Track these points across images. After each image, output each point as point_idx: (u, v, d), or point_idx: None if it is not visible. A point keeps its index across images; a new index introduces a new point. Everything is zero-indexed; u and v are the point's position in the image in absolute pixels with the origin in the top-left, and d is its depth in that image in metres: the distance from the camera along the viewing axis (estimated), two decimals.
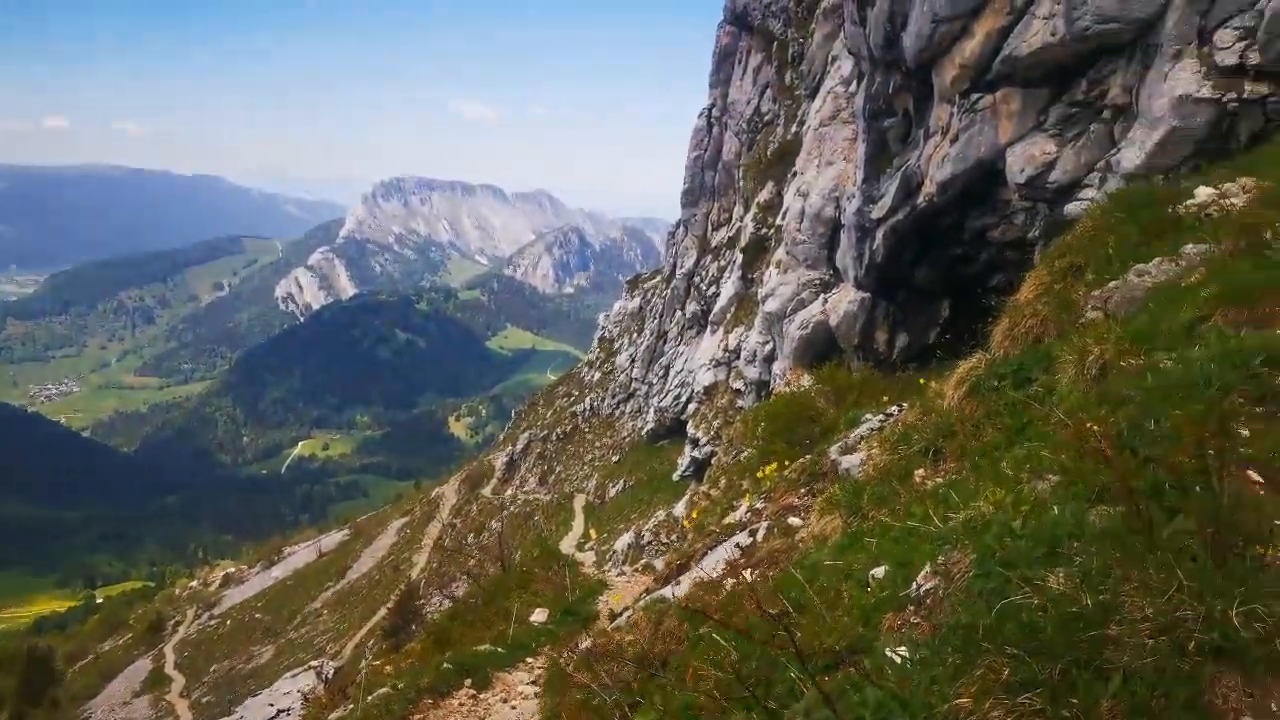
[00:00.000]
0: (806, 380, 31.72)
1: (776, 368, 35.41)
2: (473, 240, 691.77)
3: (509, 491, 73.16)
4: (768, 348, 36.72)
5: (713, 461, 37.47)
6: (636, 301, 77.99)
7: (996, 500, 3.91)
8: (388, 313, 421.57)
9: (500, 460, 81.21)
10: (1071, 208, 22.36)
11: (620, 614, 9.35)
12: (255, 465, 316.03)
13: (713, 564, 8.10)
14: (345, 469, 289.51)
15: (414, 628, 37.46)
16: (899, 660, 3.01)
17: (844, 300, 29.89)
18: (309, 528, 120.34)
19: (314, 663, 26.13)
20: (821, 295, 31.22)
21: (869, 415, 9.87)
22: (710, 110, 54.60)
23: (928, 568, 3.85)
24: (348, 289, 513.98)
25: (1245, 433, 4.03)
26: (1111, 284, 7.07)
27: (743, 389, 40.47)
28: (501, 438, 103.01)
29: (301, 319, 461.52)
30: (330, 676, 21.45)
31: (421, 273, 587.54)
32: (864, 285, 29.19)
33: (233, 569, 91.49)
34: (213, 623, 71.74)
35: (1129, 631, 2.54)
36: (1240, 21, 18.30)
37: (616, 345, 79.16)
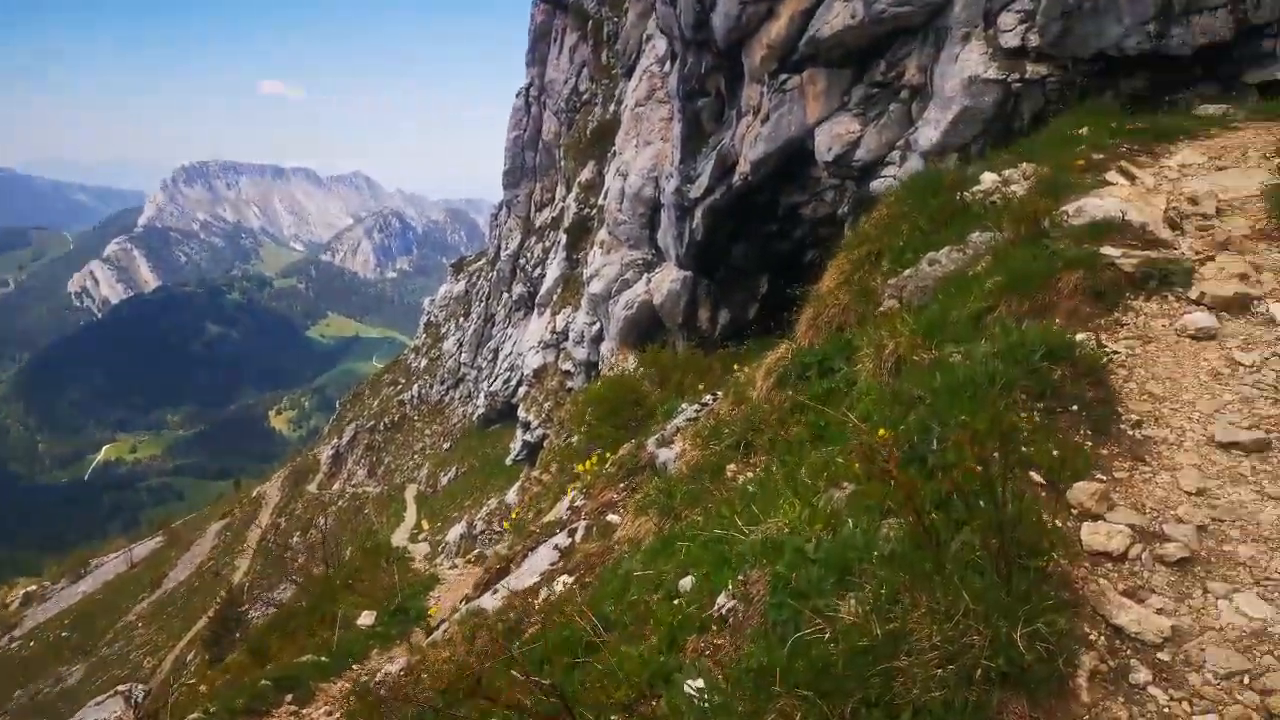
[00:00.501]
0: (633, 361, 31.83)
1: (604, 348, 35.43)
2: (286, 225, 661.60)
3: (336, 486, 70.68)
4: (595, 328, 36.68)
5: (545, 445, 37.24)
6: (462, 285, 76.56)
7: (792, 518, 3.85)
8: (197, 304, 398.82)
9: (326, 454, 78.33)
10: (876, 184, 23.21)
11: (438, 626, 9.00)
12: (55, 474, 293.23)
13: (532, 568, 7.89)
14: (157, 472, 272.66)
15: (237, 636, 35.63)
16: (696, 700, 2.89)
17: (667, 279, 30.11)
18: (119, 537, 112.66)
19: (121, 687, 24.37)
20: (645, 275, 31.35)
21: (685, 405, 9.83)
22: (528, 89, 53.86)
23: (730, 586, 3.77)
24: (150, 281, 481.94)
25: (1027, 432, 4.12)
26: (906, 273, 7.25)
27: (572, 370, 40.33)
28: (326, 430, 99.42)
29: (99, 315, 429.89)
30: (140, 701, 20.04)
31: (232, 261, 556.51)
32: (685, 264, 29.47)
33: (34, 586, 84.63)
34: (14, 645, 66.23)
35: (919, 662, 2.49)
36: (1021, 5, 19.33)
37: (443, 330, 77.53)
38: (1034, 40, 18.79)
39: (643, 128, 32.13)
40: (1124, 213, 6.15)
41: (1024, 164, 8.51)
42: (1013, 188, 7.72)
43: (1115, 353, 4.99)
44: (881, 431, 3.98)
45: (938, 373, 4.57)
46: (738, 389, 8.10)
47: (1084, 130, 9.44)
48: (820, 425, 5.60)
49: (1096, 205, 6.38)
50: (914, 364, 5.26)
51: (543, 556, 7.94)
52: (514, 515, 19.35)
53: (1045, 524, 3.05)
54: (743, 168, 26.54)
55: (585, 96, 46.97)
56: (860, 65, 23.40)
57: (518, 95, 54.83)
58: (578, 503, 9.35)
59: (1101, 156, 8.13)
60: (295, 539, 61.26)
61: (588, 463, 10.39)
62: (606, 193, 34.33)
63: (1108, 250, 5.75)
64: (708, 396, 9.61)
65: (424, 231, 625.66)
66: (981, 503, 2.90)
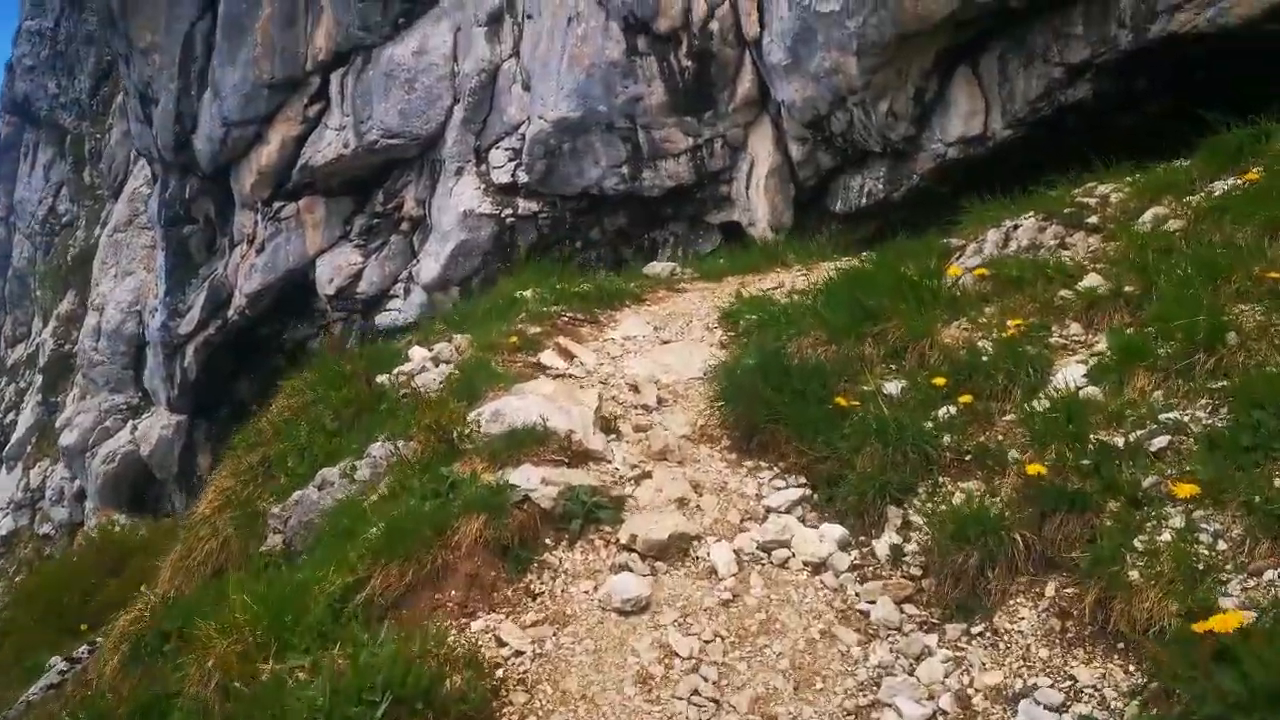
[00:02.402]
0: (124, 522, 26.78)
1: (89, 507, 29.62)
2: None
3: None
4: (78, 483, 30.65)
5: None
6: None
7: None
8: None
9: None
10: (383, 318, 21.51)
11: None
12: None
13: None
14: None
15: None
16: None
17: (156, 426, 25.77)
18: None
19: None
20: (130, 422, 26.67)
21: (56, 660, 6.98)
22: None
23: None
24: None
25: None
26: (295, 495, 5.32)
27: (53, 534, 33.37)
28: None
29: None
30: None
31: None
32: (179, 408, 25.44)
33: None
34: None
35: None
36: (509, 143, 18.97)
37: None
38: (523, 177, 18.45)
39: (123, 256, 27.81)
40: (546, 418, 4.82)
41: (459, 337, 6.96)
42: (437, 372, 6.14)
43: (518, 654, 3.47)
44: None
45: None
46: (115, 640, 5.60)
47: (528, 292, 8.31)
48: None
49: (517, 407, 5.01)
50: (238, 691, 3.36)
51: None
52: None
53: None
54: (239, 301, 23.47)
55: (65, 218, 40.42)
56: (362, 194, 21.82)
57: None
58: None
59: (539, 330, 6.97)
60: None
61: None
62: (82, 329, 29.14)
63: (523, 476, 4.29)
64: (83, 647, 6.84)
65: None
66: None
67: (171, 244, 24.92)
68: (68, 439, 27.04)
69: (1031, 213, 5.87)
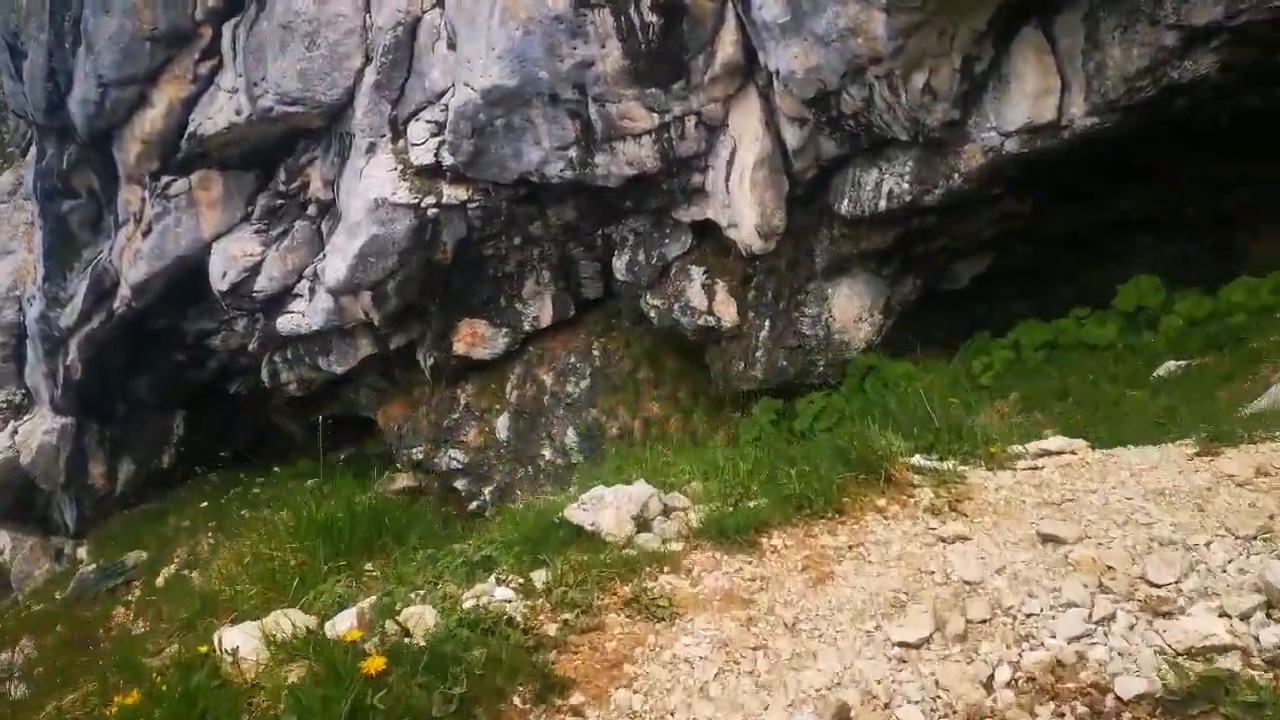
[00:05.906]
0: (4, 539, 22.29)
1: None
2: None
3: None
4: None
5: None
6: None
7: None
8: None
9: None
10: (284, 322, 17.04)
11: None
12: None
13: None
14: None
15: None
16: None
17: (39, 429, 21.16)
18: None
19: None
20: (12, 423, 21.94)
21: None
22: None
23: None
24: None
25: None
26: None
27: None
28: None
29: None
30: None
31: None
32: (64, 408, 20.85)
33: None
34: None
35: None
36: (431, 115, 14.52)
37: None
38: (449, 158, 14.04)
39: (3, 232, 22.83)
40: None
41: None
42: None
43: None
44: None
45: None
46: None
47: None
48: None
49: None
50: None
51: None
52: None
53: None
54: (124, 290, 18.78)
55: None
56: (267, 168, 17.22)
57: None
58: None
59: None
60: None
61: None
62: None
63: None
64: None
65: None
66: None
67: (49, 221, 20.16)
68: None
69: None
